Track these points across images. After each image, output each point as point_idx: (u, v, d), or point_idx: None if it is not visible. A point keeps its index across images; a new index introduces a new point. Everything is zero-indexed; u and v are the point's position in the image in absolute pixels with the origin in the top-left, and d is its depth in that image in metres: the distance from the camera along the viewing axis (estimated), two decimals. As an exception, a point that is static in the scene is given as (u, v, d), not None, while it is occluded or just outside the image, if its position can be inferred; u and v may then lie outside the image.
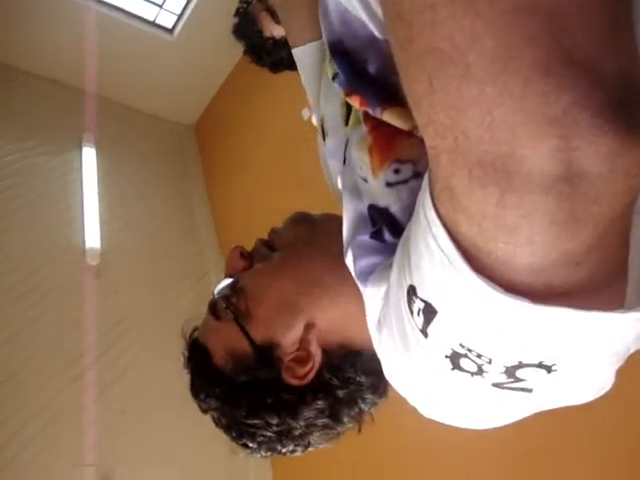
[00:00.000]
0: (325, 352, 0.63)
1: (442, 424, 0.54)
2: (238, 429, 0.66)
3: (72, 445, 2.43)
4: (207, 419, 0.68)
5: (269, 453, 0.67)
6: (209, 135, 4.40)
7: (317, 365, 0.63)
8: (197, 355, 0.69)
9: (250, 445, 0.66)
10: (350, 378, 0.63)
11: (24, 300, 2.68)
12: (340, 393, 0.63)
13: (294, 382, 0.63)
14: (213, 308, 0.68)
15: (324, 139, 0.69)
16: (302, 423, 0.63)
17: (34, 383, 2.49)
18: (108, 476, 2.43)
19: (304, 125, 3.37)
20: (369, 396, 0.66)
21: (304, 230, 0.71)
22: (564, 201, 0.28)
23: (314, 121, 0.76)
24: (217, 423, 0.68)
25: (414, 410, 0.55)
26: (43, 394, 2.49)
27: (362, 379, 0.64)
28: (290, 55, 1.51)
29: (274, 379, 0.63)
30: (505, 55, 0.26)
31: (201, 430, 2.58)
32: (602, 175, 0.27)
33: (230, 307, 0.66)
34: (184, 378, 0.72)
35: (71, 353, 2.68)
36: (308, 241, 0.69)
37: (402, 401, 0.55)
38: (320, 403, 0.63)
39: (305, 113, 3.39)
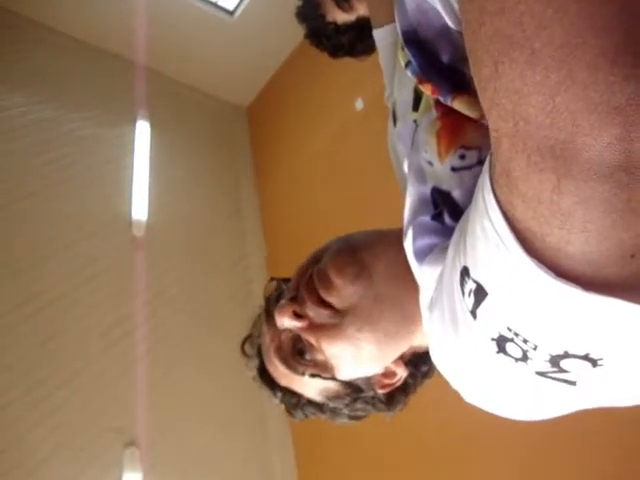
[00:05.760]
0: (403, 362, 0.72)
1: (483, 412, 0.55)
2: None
3: (104, 409, 2.52)
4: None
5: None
6: (261, 118, 4.43)
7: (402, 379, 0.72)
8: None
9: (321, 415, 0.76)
10: (413, 374, 0.73)
11: (71, 264, 2.78)
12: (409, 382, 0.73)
13: (386, 390, 0.72)
14: (286, 363, 0.71)
15: (395, 123, 0.71)
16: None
17: (74, 345, 2.59)
18: (133, 441, 2.51)
19: (356, 115, 3.35)
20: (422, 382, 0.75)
21: (361, 283, 0.67)
22: (621, 190, 0.28)
23: (387, 103, 0.80)
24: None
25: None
26: (82, 356, 2.58)
27: (424, 369, 0.73)
28: (350, 41, 1.49)
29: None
30: (572, 43, 0.26)
31: (231, 404, 2.67)
32: None
33: (309, 364, 0.69)
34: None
35: (110, 319, 2.76)
36: (373, 297, 0.67)
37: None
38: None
39: (358, 104, 3.37)
